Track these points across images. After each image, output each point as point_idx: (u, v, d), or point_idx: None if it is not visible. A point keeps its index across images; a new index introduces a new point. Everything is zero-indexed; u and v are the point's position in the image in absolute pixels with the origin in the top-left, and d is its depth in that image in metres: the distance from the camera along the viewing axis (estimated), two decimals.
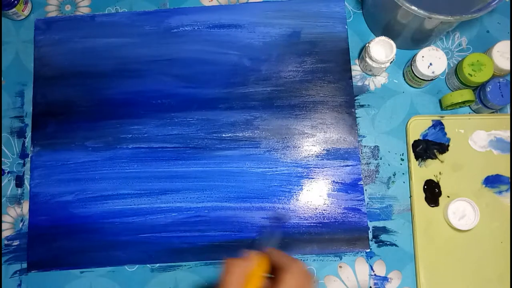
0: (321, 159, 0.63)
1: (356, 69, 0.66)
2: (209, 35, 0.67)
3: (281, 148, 0.63)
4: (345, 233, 0.61)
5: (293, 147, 0.63)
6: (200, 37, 0.67)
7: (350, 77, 0.65)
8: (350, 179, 0.62)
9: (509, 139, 0.61)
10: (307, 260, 0.61)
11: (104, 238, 0.62)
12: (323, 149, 0.63)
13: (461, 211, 0.59)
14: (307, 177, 0.63)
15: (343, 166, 0.63)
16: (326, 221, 0.61)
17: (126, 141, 0.64)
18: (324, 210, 0.62)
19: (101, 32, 0.68)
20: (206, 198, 0.62)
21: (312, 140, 0.64)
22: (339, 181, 0.62)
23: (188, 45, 0.67)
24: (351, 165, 0.63)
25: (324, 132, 0.64)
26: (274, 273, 0.42)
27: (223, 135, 0.64)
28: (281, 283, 0.39)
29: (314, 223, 0.61)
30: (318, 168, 0.63)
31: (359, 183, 0.62)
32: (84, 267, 0.62)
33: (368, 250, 0.60)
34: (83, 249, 0.62)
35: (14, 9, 0.67)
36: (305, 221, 0.61)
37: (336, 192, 0.62)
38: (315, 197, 0.62)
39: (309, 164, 0.63)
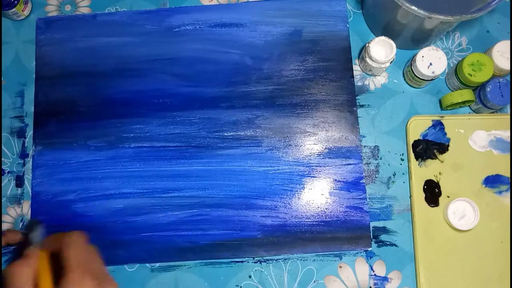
0: (323, 158, 0.63)
1: (356, 69, 0.66)
2: (211, 34, 0.67)
3: (283, 146, 0.64)
4: (347, 232, 0.61)
5: (295, 145, 0.64)
6: (202, 36, 0.67)
7: (352, 76, 0.65)
8: (352, 178, 0.62)
9: (509, 139, 0.62)
10: (307, 260, 0.61)
11: (106, 237, 0.62)
12: (325, 148, 0.63)
13: (461, 211, 0.59)
14: (309, 176, 0.63)
15: (345, 164, 0.63)
16: (328, 219, 0.61)
17: (128, 140, 0.64)
18: (326, 208, 0.62)
19: (103, 31, 0.68)
20: (208, 197, 0.62)
21: (314, 138, 0.64)
22: (341, 179, 0.62)
23: (190, 44, 0.67)
24: (353, 164, 0.63)
25: (326, 130, 0.64)
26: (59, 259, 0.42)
27: (225, 134, 0.64)
28: (65, 262, 0.41)
29: (316, 221, 0.61)
30: (320, 166, 0.63)
31: (361, 181, 0.62)
32: None
33: (370, 249, 0.60)
34: None
35: (14, 9, 0.67)
36: (307, 220, 0.61)
37: (338, 191, 0.62)
38: (317, 195, 0.62)
39: (311, 163, 0.63)
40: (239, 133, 0.64)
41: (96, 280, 0.41)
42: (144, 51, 0.67)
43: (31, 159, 0.65)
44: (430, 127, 0.62)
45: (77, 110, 0.66)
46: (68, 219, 0.63)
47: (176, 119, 0.65)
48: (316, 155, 0.63)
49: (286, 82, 0.65)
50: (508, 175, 0.61)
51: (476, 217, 0.58)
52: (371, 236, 0.61)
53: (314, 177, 0.63)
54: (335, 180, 0.62)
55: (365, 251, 0.61)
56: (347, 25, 0.67)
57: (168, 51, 0.67)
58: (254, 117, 0.64)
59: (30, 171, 0.65)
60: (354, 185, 0.62)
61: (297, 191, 0.62)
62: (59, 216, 0.63)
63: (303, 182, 0.62)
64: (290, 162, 0.63)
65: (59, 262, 0.42)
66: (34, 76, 0.68)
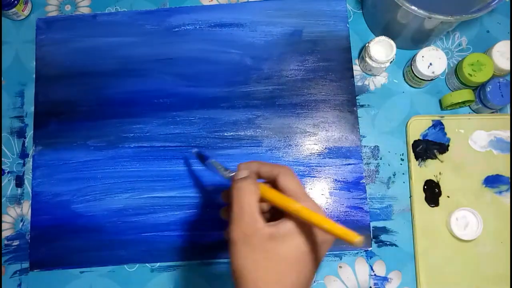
0: (323, 158, 0.63)
1: (356, 69, 0.66)
2: (211, 34, 0.67)
3: (283, 146, 0.63)
4: None
5: (295, 145, 0.64)
6: (202, 36, 0.67)
7: (352, 76, 0.65)
8: (352, 178, 0.62)
9: (509, 139, 0.62)
10: None
11: (107, 237, 0.62)
12: (325, 148, 0.63)
13: (464, 221, 0.58)
14: (309, 176, 0.63)
15: (345, 164, 0.63)
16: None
17: (128, 140, 0.64)
18: (326, 208, 0.62)
19: (103, 31, 0.68)
20: (208, 196, 0.62)
21: (314, 138, 0.64)
22: (341, 179, 0.62)
23: (190, 44, 0.67)
24: (353, 164, 0.63)
25: (326, 130, 0.64)
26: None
27: (225, 134, 0.64)
28: (285, 189, 0.39)
29: None
30: (320, 166, 0.63)
31: (361, 181, 0.62)
32: (87, 266, 0.62)
33: (370, 248, 0.60)
34: (86, 248, 0.62)
35: (14, 9, 0.67)
36: None
37: (338, 191, 0.62)
38: (317, 195, 0.62)
39: (311, 163, 0.63)
40: (239, 133, 0.64)
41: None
42: (144, 51, 0.67)
43: (31, 159, 0.65)
44: (430, 127, 0.62)
45: (77, 110, 0.66)
46: (68, 219, 0.63)
47: (176, 119, 0.65)
48: (316, 155, 0.63)
49: (286, 82, 0.65)
50: (508, 175, 0.61)
51: (479, 226, 0.58)
52: (371, 236, 0.61)
53: (314, 177, 0.63)
54: (335, 180, 0.62)
55: (365, 251, 0.61)
56: (347, 25, 0.67)
57: (168, 51, 0.67)
58: (254, 117, 0.64)
59: (30, 171, 0.65)
60: (354, 185, 0.62)
61: None
62: (59, 216, 0.63)
63: (303, 182, 0.62)
64: (290, 162, 0.63)
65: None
66: (34, 76, 0.68)
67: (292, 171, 0.41)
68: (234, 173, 0.43)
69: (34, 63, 0.68)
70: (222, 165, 0.46)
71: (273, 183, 0.41)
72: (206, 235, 0.61)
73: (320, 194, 0.62)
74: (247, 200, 0.38)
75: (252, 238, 0.37)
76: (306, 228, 0.38)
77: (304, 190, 0.40)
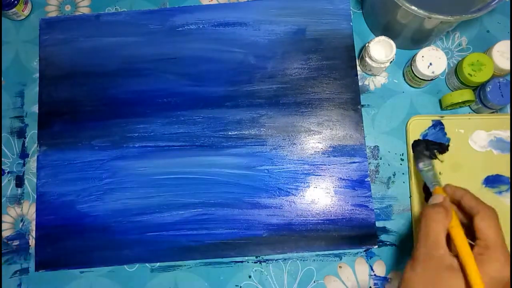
0: (327, 156, 0.63)
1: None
2: (214, 33, 0.67)
3: (287, 145, 0.64)
4: (353, 230, 0.61)
5: (299, 144, 0.64)
6: (205, 35, 0.67)
7: (356, 74, 0.65)
8: (357, 176, 0.62)
9: (509, 139, 0.61)
10: (306, 260, 0.61)
11: (112, 237, 0.62)
12: (330, 146, 0.63)
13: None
14: (313, 174, 0.63)
15: (349, 163, 0.63)
16: (334, 218, 0.61)
17: (133, 140, 0.65)
18: (331, 207, 0.62)
19: (106, 31, 0.68)
20: (213, 196, 0.62)
21: (318, 137, 0.64)
22: (346, 178, 0.62)
23: (193, 44, 0.67)
24: (357, 162, 0.63)
25: (330, 129, 0.64)
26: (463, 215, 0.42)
27: (229, 133, 0.64)
28: (480, 232, 0.39)
29: (321, 220, 0.61)
30: (325, 165, 0.63)
31: (366, 179, 0.62)
32: (92, 266, 0.62)
33: (376, 247, 0.60)
34: (91, 248, 0.62)
35: (14, 9, 0.67)
36: (312, 218, 0.61)
37: (343, 189, 0.62)
38: (322, 194, 0.62)
39: (316, 161, 0.63)
40: (244, 132, 0.64)
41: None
42: (147, 51, 0.67)
43: (36, 160, 0.65)
44: (430, 127, 0.62)
45: (81, 110, 0.66)
46: (73, 219, 0.63)
47: (180, 119, 0.65)
48: (320, 154, 0.63)
49: (290, 81, 0.65)
50: (508, 175, 0.61)
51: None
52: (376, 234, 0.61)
53: (319, 175, 0.63)
54: (340, 178, 0.62)
55: (365, 251, 0.61)
56: (351, 23, 0.67)
57: (171, 51, 0.67)
58: (258, 116, 0.65)
59: (30, 171, 0.65)
60: (359, 183, 0.62)
61: (302, 189, 0.62)
62: (64, 216, 0.63)
63: (308, 181, 0.62)
64: (295, 160, 0.63)
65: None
66: (34, 76, 0.68)
67: (496, 216, 0.41)
68: (434, 188, 0.46)
69: (35, 63, 0.68)
70: (433, 175, 0.48)
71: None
72: (211, 234, 0.61)
73: (325, 192, 0.62)
74: (433, 228, 0.40)
75: (431, 261, 0.39)
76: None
77: (502, 240, 0.39)
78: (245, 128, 0.64)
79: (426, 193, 0.61)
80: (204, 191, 0.63)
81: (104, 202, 0.63)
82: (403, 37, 0.63)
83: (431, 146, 0.62)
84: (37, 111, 0.66)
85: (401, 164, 0.63)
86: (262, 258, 0.61)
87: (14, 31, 0.70)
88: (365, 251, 0.61)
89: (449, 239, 0.41)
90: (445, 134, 0.62)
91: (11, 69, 0.68)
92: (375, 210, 0.62)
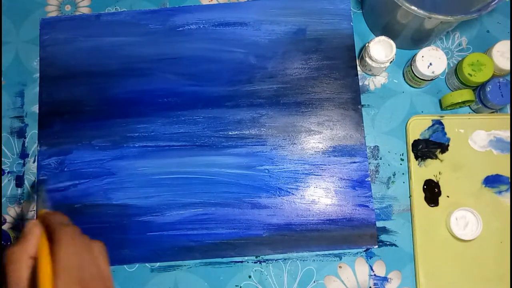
0: (328, 156, 0.63)
1: None
2: (214, 33, 0.67)
3: (287, 145, 0.64)
4: (353, 230, 0.61)
5: (300, 144, 0.64)
6: (205, 35, 0.67)
7: (356, 74, 0.65)
8: (357, 176, 0.62)
9: (509, 139, 0.61)
10: (306, 260, 0.61)
11: (112, 236, 0.62)
12: (330, 146, 0.63)
13: (463, 220, 0.58)
14: (314, 174, 0.63)
15: (350, 163, 0.63)
16: (334, 218, 0.61)
17: (133, 140, 0.65)
18: (331, 207, 0.62)
19: (106, 31, 0.68)
20: (213, 196, 0.62)
21: (319, 137, 0.64)
22: (346, 178, 0.62)
23: (193, 44, 0.67)
24: (358, 162, 0.63)
25: (331, 129, 0.64)
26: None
27: (230, 133, 0.64)
28: (55, 260, 0.35)
29: (321, 220, 0.61)
30: (325, 165, 0.63)
31: (366, 179, 0.62)
32: None
33: (376, 246, 0.60)
34: None
35: None
36: (312, 218, 0.61)
37: (343, 189, 0.62)
38: (322, 194, 0.62)
39: (316, 161, 0.63)
40: (244, 132, 0.64)
41: None
42: (148, 50, 0.67)
43: (36, 159, 0.65)
44: (430, 127, 0.62)
45: (81, 110, 0.66)
46: (73, 219, 0.62)
47: (181, 119, 0.65)
48: (321, 154, 0.63)
49: (291, 80, 0.65)
50: (508, 175, 0.61)
51: (479, 226, 0.57)
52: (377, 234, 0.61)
53: (319, 175, 0.63)
54: (340, 178, 0.62)
55: (365, 251, 0.61)
56: (351, 23, 0.67)
57: (172, 51, 0.67)
58: (259, 116, 0.65)
59: (30, 171, 0.65)
60: (359, 183, 0.62)
61: (302, 189, 0.62)
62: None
63: (308, 181, 0.62)
64: (295, 160, 0.63)
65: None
66: (34, 76, 0.68)
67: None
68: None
69: (35, 63, 0.68)
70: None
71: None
72: (211, 234, 0.61)
73: (325, 192, 0.62)
74: (11, 270, 0.36)
75: None
76: None
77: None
78: (246, 128, 0.64)
79: (426, 193, 0.61)
80: (204, 191, 0.63)
81: (104, 202, 0.63)
82: (403, 37, 0.63)
83: (431, 146, 0.62)
84: (37, 111, 0.66)
85: (401, 164, 0.63)
86: (262, 258, 0.61)
87: (14, 31, 0.70)
88: (365, 251, 0.61)
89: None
90: (445, 134, 0.62)
91: (11, 69, 0.68)
92: (375, 210, 0.62)
